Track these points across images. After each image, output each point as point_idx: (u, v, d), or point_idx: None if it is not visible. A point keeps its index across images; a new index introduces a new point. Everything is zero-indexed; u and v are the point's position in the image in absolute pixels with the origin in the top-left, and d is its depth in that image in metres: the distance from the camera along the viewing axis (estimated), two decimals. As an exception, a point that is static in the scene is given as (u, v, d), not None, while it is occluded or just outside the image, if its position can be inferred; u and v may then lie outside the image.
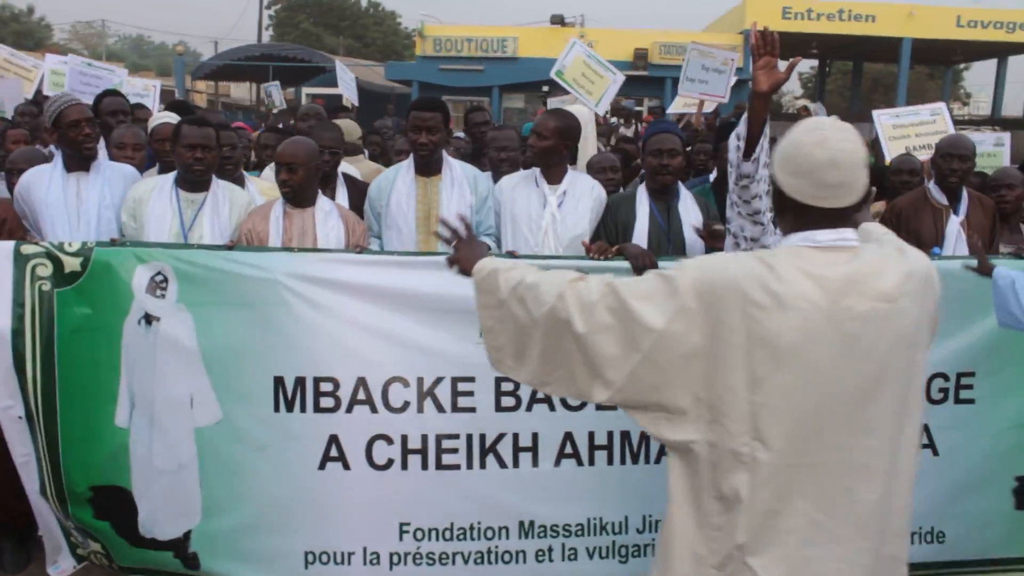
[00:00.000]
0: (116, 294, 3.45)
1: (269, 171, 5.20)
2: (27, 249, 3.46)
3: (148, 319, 3.44)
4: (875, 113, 6.64)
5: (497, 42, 25.14)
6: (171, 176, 4.08)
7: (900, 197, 4.85)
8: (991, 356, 3.74)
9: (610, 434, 3.59)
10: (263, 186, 4.69)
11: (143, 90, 7.66)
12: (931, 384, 3.73)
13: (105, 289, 3.45)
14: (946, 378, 3.75)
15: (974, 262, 3.60)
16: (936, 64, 36.49)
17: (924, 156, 5.80)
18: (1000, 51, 30.06)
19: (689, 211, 4.09)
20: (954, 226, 4.48)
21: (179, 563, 3.59)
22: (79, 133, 4.08)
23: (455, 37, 25.71)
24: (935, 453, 3.79)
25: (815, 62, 36.96)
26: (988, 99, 34.80)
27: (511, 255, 3.67)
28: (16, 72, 7.56)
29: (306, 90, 25.64)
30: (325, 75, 27.18)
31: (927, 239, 4.40)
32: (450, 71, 24.70)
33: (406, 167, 4.25)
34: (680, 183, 4.22)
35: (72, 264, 3.44)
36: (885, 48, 28.07)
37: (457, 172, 4.22)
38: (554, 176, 4.17)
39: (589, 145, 6.14)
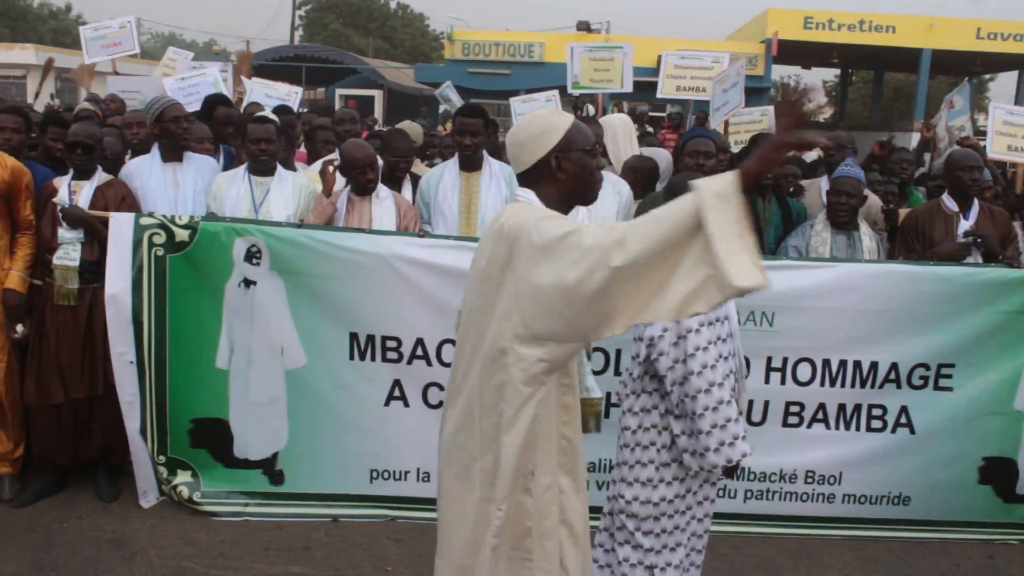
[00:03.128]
0: (219, 261, 4.20)
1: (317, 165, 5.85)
2: (145, 220, 4.22)
3: (247, 282, 4.20)
4: (991, 105, 6.65)
5: (524, 47, 25.77)
6: (244, 166, 4.77)
7: (915, 208, 5.35)
8: (972, 351, 4.37)
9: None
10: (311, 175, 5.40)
11: (286, 96, 8.17)
12: (912, 373, 4.38)
13: (209, 256, 4.20)
14: (927, 367, 4.38)
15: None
16: (957, 75, 36.78)
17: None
18: (1020, 63, 30.38)
19: None
20: (963, 230, 4.91)
21: (267, 479, 4.39)
22: (178, 127, 4.82)
23: (483, 41, 26.37)
24: (912, 431, 4.44)
25: (837, 71, 37.42)
26: (1010, 111, 35.08)
27: None
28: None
29: (339, 91, 26.35)
30: (356, 76, 27.97)
31: (939, 242, 4.89)
32: (478, 74, 25.35)
33: (452, 163, 4.93)
34: None
35: (182, 235, 4.19)
36: (905, 58, 28.41)
37: (495, 168, 4.91)
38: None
39: (622, 148, 6.60)
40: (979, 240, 4.67)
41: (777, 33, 24.84)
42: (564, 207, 2.46)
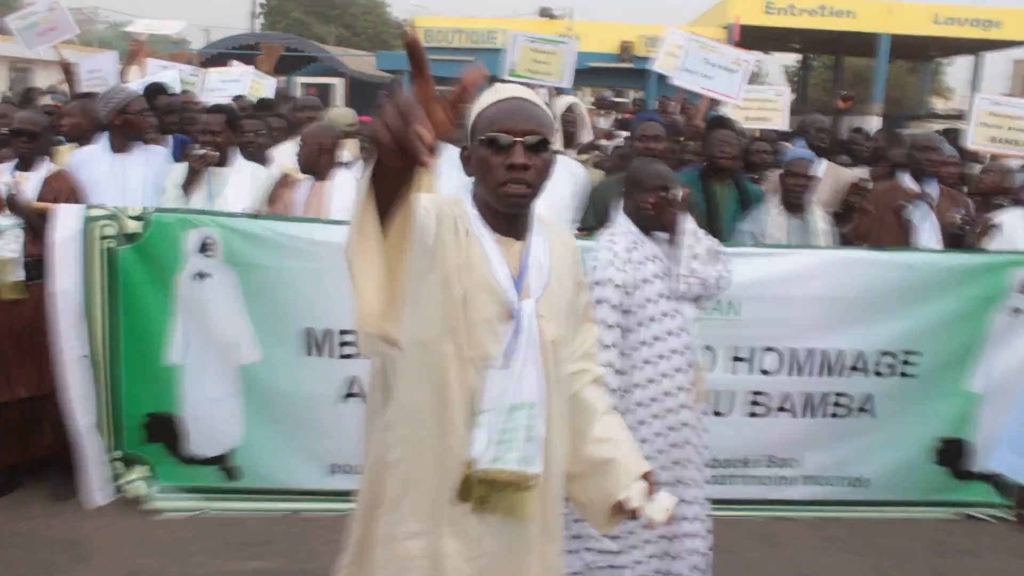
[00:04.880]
0: (171, 253, 4.11)
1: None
2: (94, 212, 4.13)
3: (201, 275, 4.12)
4: (978, 96, 6.61)
5: (486, 33, 25.62)
6: None
7: (876, 185, 5.44)
8: (937, 337, 4.42)
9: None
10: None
11: (239, 76, 8.09)
12: (880, 361, 4.41)
13: (162, 248, 4.11)
14: (893, 356, 4.43)
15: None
16: (915, 60, 37.23)
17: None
18: (976, 48, 30.83)
19: None
20: (924, 209, 5.00)
21: (223, 475, 4.32)
22: (144, 120, 4.77)
23: (445, 28, 26.21)
24: (872, 416, 4.49)
25: (798, 56, 37.70)
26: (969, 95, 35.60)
27: None
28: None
29: (299, 79, 26.07)
30: (317, 64, 27.69)
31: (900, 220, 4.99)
32: (440, 61, 25.19)
33: None
34: None
35: (133, 227, 4.10)
36: (864, 43, 28.68)
37: (451, 154, 4.83)
38: None
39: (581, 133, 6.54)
40: (967, 225, 4.71)
41: (739, 19, 24.93)
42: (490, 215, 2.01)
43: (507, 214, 1.98)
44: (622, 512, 2.08)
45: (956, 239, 4.77)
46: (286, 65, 28.15)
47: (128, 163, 4.70)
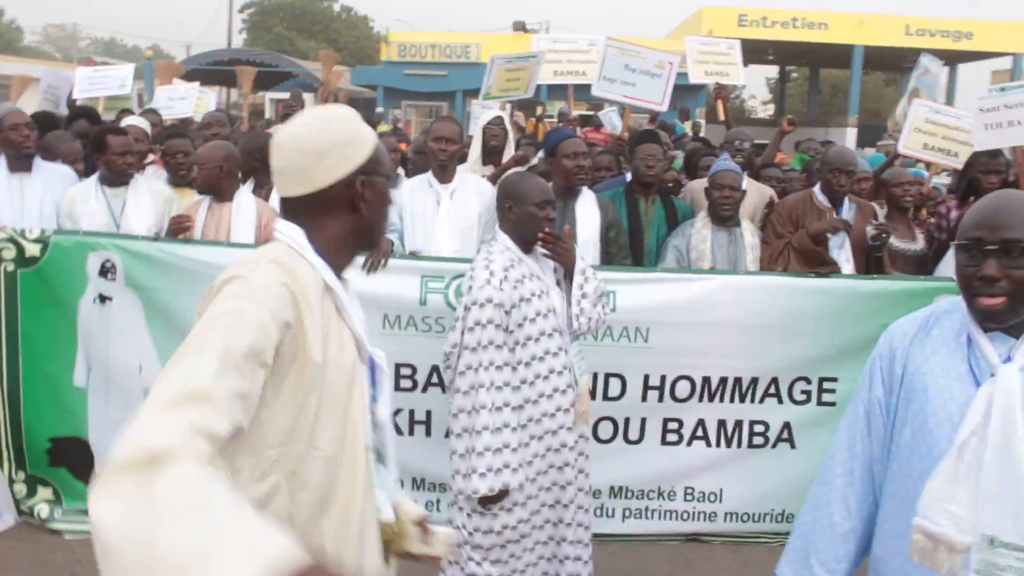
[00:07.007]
0: (72, 276, 4.07)
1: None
2: (-8, 234, 4.06)
3: (102, 298, 4.07)
4: (916, 101, 6.60)
5: (461, 48, 25.71)
6: (94, 178, 4.61)
7: (787, 197, 5.24)
8: (855, 365, 4.26)
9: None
10: None
11: (185, 94, 8.10)
12: (793, 387, 4.25)
13: (62, 271, 4.07)
14: (808, 381, 4.26)
15: None
16: (889, 71, 37.50)
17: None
18: (949, 59, 31.00)
19: (588, 210, 4.48)
20: (842, 236, 4.76)
21: (129, 497, 4.23)
22: (18, 135, 4.65)
23: (419, 43, 26.28)
24: (792, 446, 4.31)
25: (774, 67, 37.93)
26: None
27: (413, 255, 4.27)
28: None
29: (269, 95, 26.05)
30: (294, 80, 27.69)
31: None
32: (414, 76, 25.26)
33: None
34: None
35: (32, 249, 4.05)
36: (838, 55, 28.92)
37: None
38: (446, 176, 4.65)
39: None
40: (884, 235, 4.67)
41: (712, 31, 25.08)
42: (348, 255, 1.83)
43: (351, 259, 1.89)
44: None
45: (872, 250, 4.72)
46: (265, 81, 28.17)
47: (26, 183, 4.64)
